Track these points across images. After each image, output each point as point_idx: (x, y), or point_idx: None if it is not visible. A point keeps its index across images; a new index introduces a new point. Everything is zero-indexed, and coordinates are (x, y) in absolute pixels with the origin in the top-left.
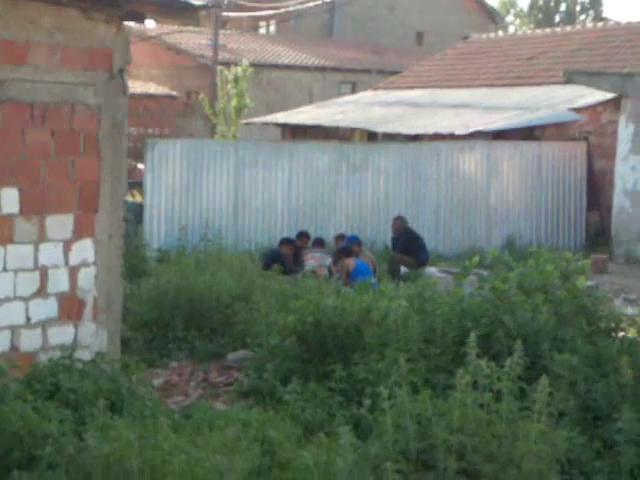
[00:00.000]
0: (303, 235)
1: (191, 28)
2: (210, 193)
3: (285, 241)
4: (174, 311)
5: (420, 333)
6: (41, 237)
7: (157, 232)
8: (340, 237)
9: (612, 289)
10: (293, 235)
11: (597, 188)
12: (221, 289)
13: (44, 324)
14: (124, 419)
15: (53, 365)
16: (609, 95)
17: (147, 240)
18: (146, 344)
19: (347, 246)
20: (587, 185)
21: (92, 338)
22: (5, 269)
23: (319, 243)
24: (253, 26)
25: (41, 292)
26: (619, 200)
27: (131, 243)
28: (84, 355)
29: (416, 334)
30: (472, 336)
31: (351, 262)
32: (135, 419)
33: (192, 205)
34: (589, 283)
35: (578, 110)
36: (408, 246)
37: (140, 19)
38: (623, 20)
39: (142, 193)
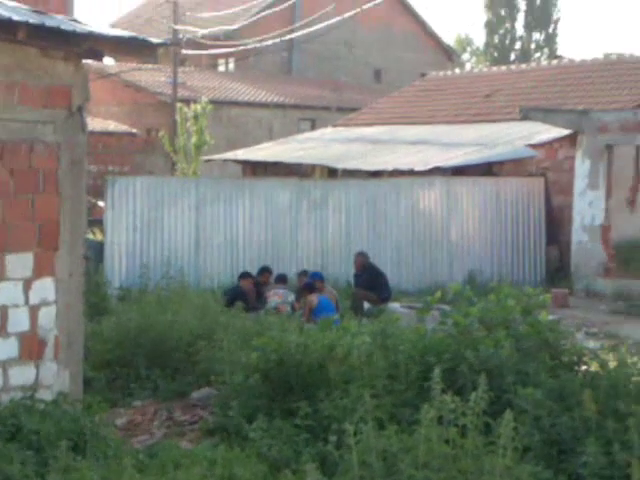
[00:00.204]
0: (265, 270)
1: (150, 66)
2: (171, 230)
3: (244, 275)
4: (136, 350)
5: (384, 369)
6: (0, 276)
7: (118, 270)
8: (303, 274)
9: (574, 323)
10: (255, 271)
11: (556, 223)
12: (183, 327)
13: (4, 364)
14: (87, 460)
15: (14, 406)
16: (565, 131)
17: (108, 278)
18: (108, 384)
19: (310, 282)
20: (546, 220)
21: (54, 378)
22: None
23: (282, 279)
24: (212, 64)
25: (1, 332)
26: (577, 235)
27: (92, 281)
28: (46, 395)
29: (380, 370)
30: (436, 371)
31: (314, 299)
32: (98, 460)
33: (153, 242)
34: (551, 317)
35: (535, 146)
36: (371, 282)
37: (99, 57)
38: (577, 57)
39: (103, 231)
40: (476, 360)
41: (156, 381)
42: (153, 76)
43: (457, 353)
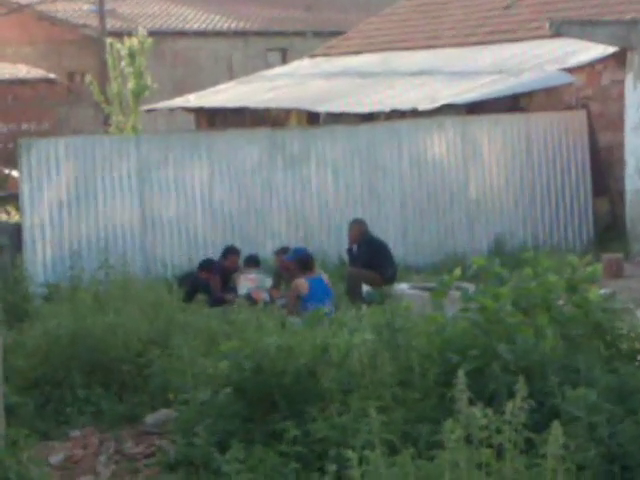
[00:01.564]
0: (231, 252)
1: None
2: (108, 205)
3: (205, 266)
4: (70, 364)
5: (393, 374)
6: None
7: (42, 260)
8: (281, 251)
9: (631, 297)
10: (219, 253)
11: (604, 168)
12: (130, 332)
13: None
14: None
15: None
16: (610, 49)
17: (29, 271)
18: (37, 410)
19: (304, 257)
20: (591, 165)
21: None
22: None
23: (253, 262)
24: None
25: None
26: (632, 182)
27: (8, 277)
28: None
29: (388, 376)
30: (460, 374)
31: (303, 283)
32: None
33: (86, 222)
34: (603, 292)
35: (572, 70)
36: (370, 258)
37: None
38: None
39: (19, 209)
40: (511, 356)
41: (98, 403)
42: (73, 4)
43: (486, 348)
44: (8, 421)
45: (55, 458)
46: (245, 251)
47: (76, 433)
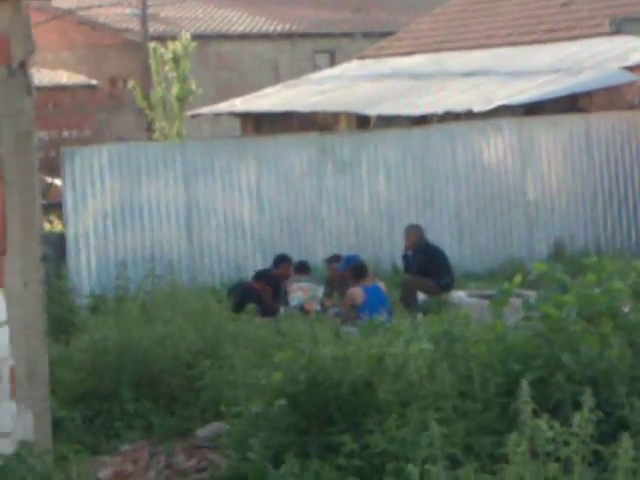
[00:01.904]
0: (283, 260)
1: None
2: (154, 213)
3: (260, 276)
4: (119, 377)
5: (452, 385)
6: None
7: (87, 271)
8: (333, 259)
9: None
10: (269, 262)
11: None
12: (179, 343)
13: None
14: None
15: None
16: None
17: (74, 283)
18: (86, 424)
19: (358, 265)
20: None
21: (12, 422)
22: None
23: (303, 268)
24: None
25: None
26: None
27: (53, 289)
28: (4, 446)
29: (447, 386)
30: (524, 385)
31: (359, 292)
32: None
33: (131, 231)
34: None
35: (634, 69)
36: (426, 265)
37: None
38: None
39: (62, 219)
40: (576, 366)
41: (147, 416)
42: (114, 9)
43: (550, 357)
44: (56, 436)
45: (104, 473)
46: (296, 257)
47: (126, 447)
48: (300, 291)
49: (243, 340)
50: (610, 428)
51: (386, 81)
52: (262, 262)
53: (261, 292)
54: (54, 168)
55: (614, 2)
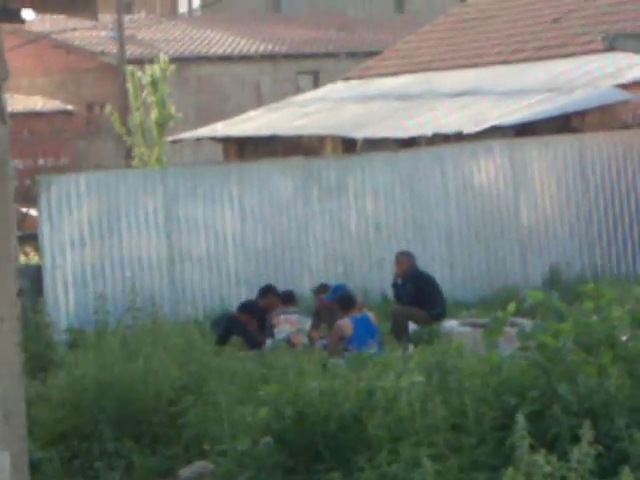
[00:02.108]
0: (269, 291)
1: (89, 23)
2: (134, 244)
3: (245, 308)
4: (99, 416)
5: (446, 419)
6: None
7: (65, 304)
8: (321, 289)
9: None
10: (254, 293)
11: None
12: (161, 379)
13: None
14: None
15: None
16: None
17: (52, 317)
18: (64, 465)
19: (346, 296)
20: None
21: None
22: None
23: (289, 299)
24: (170, 7)
25: None
26: None
27: (30, 324)
28: None
29: (440, 421)
30: (520, 418)
31: (347, 324)
32: None
33: (110, 262)
34: None
35: (628, 87)
36: (418, 294)
37: (15, 17)
38: None
39: (38, 250)
40: (574, 397)
41: (129, 457)
42: (89, 31)
43: (546, 389)
44: (33, 478)
45: None
46: (282, 288)
47: None
48: (287, 323)
49: (228, 375)
50: (610, 462)
51: (372, 102)
52: (246, 293)
53: (246, 324)
54: (29, 198)
55: (607, 18)
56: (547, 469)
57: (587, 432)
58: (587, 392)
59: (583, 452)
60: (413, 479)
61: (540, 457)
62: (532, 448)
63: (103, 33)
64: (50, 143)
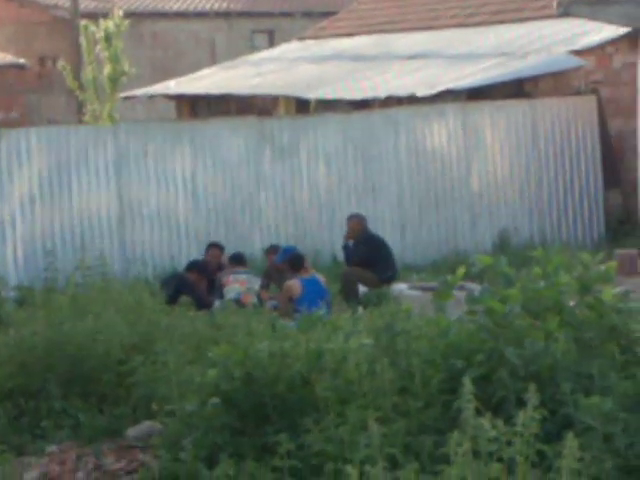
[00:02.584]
0: (212, 246)
1: None
2: (84, 200)
3: (193, 266)
4: (47, 374)
5: (393, 382)
6: None
7: (13, 261)
8: (271, 249)
9: None
10: (203, 251)
11: (615, 158)
12: (111, 338)
13: None
14: None
15: None
16: (622, 30)
17: (0, 274)
18: (11, 423)
19: (295, 257)
20: (602, 154)
21: None
22: None
23: (239, 260)
24: None
25: None
26: None
27: None
28: None
29: (388, 383)
30: (466, 381)
31: (296, 284)
32: None
33: (59, 219)
34: (617, 291)
35: (581, 53)
36: (368, 256)
37: None
38: None
39: None
40: (520, 361)
41: (76, 416)
42: None
43: (493, 353)
44: None
45: (30, 475)
46: (232, 249)
47: (53, 448)
48: (237, 283)
49: (177, 335)
50: (555, 427)
51: (327, 63)
52: (197, 253)
53: (196, 283)
54: None
55: None
56: (492, 433)
57: (533, 396)
58: (533, 356)
59: (528, 416)
60: (359, 442)
61: (486, 421)
62: (478, 412)
63: None
64: (1, 97)
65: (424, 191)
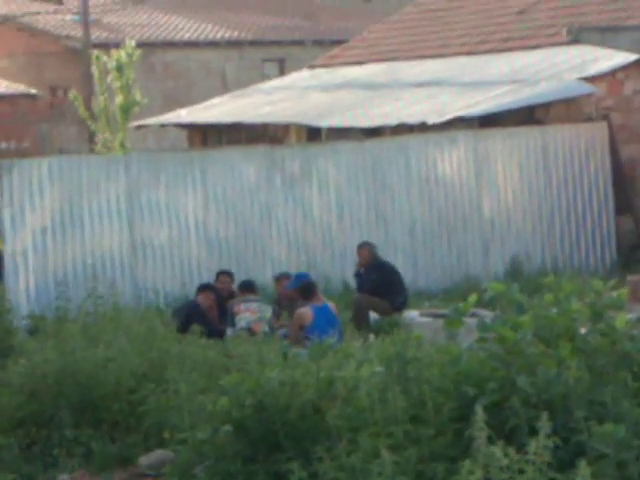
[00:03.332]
0: (223, 274)
1: (54, 6)
2: (95, 230)
3: (204, 288)
4: (58, 402)
5: (404, 409)
6: None
7: (25, 290)
8: (283, 277)
9: None
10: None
11: (627, 184)
12: (121, 366)
13: None
14: None
15: None
16: (632, 57)
17: (12, 303)
18: (23, 452)
19: (307, 284)
20: (613, 181)
21: None
22: None
23: (249, 288)
24: None
25: None
26: None
27: None
28: None
29: (399, 411)
30: (478, 410)
31: (307, 312)
32: None
33: (72, 249)
34: (629, 318)
35: (592, 79)
36: (379, 284)
37: None
38: None
39: None
40: (532, 389)
41: (88, 444)
42: (54, 14)
43: (505, 381)
44: None
45: None
46: (243, 276)
47: (64, 477)
48: (248, 312)
49: (188, 363)
50: (567, 454)
51: (338, 91)
52: (208, 280)
53: (207, 311)
54: None
55: (572, 10)
56: (504, 461)
57: (545, 424)
58: (546, 384)
59: (541, 444)
60: (371, 470)
61: (498, 449)
62: (490, 440)
63: (68, 17)
64: (13, 127)
65: (435, 218)
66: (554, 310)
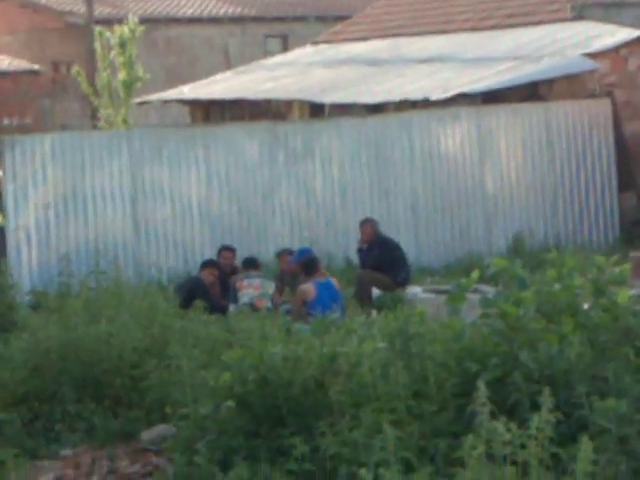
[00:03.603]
0: (226, 249)
1: None
2: (98, 205)
3: (208, 264)
4: (61, 377)
5: (407, 385)
6: None
7: (28, 266)
8: (285, 253)
9: None
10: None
11: (630, 160)
12: (124, 342)
13: None
14: None
15: None
16: (636, 33)
17: (15, 278)
18: (25, 427)
19: (310, 260)
20: (617, 157)
21: None
22: None
23: (252, 264)
24: None
25: None
26: None
27: None
28: None
29: (402, 387)
30: (480, 385)
31: (310, 288)
32: None
33: (74, 224)
34: (631, 293)
35: (595, 56)
36: (382, 260)
37: None
38: None
39: (2, 211)
40: (535, 365)
41: (91, 419)
42: None
43: (508, 356)
44: None
45: (44, 479)
46: (246, 252)
47: (67, 452)
48: (251, 288)
49: (191, 338)
50: (569, 429)
51: (341, 67)
52: (211, 256)
53: (209, 286)
54: None
55: None
56: (506, 436)
57: (547, 399)
58: (548, 359)
59: (543, 419)
60: (374, 445)
61: (500, 424)
62: (492, 415)
63: None
64: (15, 103)
65: (438, 194)
66: (557, 286)
